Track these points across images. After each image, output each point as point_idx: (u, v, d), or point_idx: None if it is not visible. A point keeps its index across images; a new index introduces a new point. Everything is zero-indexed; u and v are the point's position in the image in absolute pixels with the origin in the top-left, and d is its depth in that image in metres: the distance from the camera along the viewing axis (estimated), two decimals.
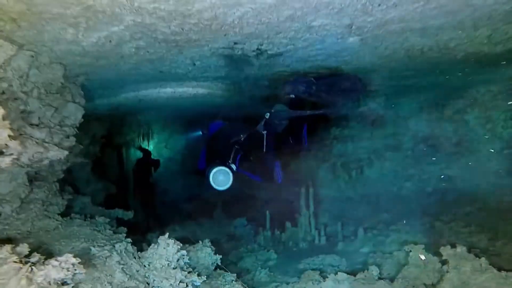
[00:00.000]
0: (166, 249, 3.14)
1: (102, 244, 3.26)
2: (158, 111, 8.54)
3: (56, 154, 2.76)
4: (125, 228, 4.51)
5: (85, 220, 3.98)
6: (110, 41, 2.94)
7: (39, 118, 3.11)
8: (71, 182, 7.54)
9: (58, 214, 3.79)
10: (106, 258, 2.97)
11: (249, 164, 4.37)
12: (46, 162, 2.93)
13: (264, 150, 4.20)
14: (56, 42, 2.78)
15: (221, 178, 4.19)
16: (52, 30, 2.54)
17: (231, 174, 4.19)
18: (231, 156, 4.35)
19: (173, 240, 3.16)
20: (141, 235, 7.88)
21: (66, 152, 2.84)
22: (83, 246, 3.19)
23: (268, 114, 4.24)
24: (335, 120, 7.56)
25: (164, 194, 11.65)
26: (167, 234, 3.20)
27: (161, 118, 10.09)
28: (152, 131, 11.21)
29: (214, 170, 4.18)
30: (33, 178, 3.75)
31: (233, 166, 4.32)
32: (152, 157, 12.06)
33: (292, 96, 4.22)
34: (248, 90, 6.04)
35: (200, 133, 5.11)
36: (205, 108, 8.26)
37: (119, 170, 11.48)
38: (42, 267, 1.92)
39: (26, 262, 2.01)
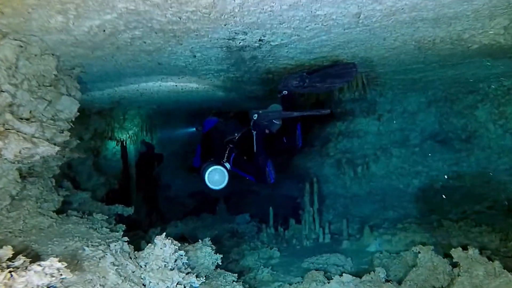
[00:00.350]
0: (163, 249, 2.99)
1: (96, 244, 3.12)
2: (160, 105, 8.39)
3: (47, 150, 2.62)
4: (124, 226, 4.38)
5: (81, 218, 3.85)
6: (104, 30, 2.78)
7: (30, 111, 2.97)
8: (73, 177, 7.45)
9: (53, 211, 3.66)
10: (99, 259, 2.83)
11: (242, 163, 4.22)
12: (37, 158, 2.79)
13: (255, 150, 4.06)
14: (46, 31, 2.62)
15: (216, 177, 4.09)
16: (39, 17, 2.38)
17: (226, 173, 4.10)
18: (225, 154, 4.25)
19: (170, 240, 3.01)
20: (143, 231, 7.80)
21: (58, 148, 2.69)
22: (76, 246, 3.05)
23: (256, 115, 4.10)
24: (340, 115, 7.38)
25: (167, 188, 11.54)
26: (163, 234, 3.05)
27: (164, 112, 9.92)
28: (155, 125, 11.05)
29: (210, 169, 4.08)
30: (26, 174, 3.62)
31: (227, 165, 4.22)
32: (155, 151, 11.94)
33: (285, 92, 4.11)
34: (251, 84, 5.88)
35: (194, 129, 4.96)
36: (208, 102, 8.12)
37: (121, 165, 11.38)
38: (24, 272, 1.78)
39: (8, 267, 1.87)
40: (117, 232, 3.72)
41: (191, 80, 5.21)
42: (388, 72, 5.19)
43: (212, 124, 4.71)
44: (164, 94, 6.47)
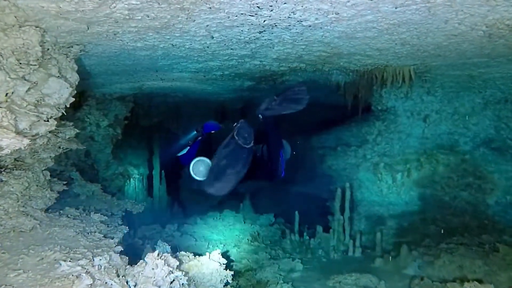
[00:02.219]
0: (154, 270, 2.44)
1: (79, 256, 2.62)
2: (186, 93, 7.89)
3: (12, 142, 2.11)
4: (126, 228, 3.89)
5: (74, 219, 3.38)
6: None
7: (6, 94, 2.47)
8: (90, 165, 7.11)
9: (41, 209, 3.20)
10: (76, 278, 2.31)
11: None
12: (7, 151, 2.29)
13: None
14: None
15: (201, 168, 4.10)
16: None
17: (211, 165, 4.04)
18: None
19: (163, 261, 2.46)
20: (160, 225, 7.39)
21: (27, 141, 2.18)
22: (54, 258, 2.56)
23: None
24: (380, 113, 6.61)
25: (191, 180, 11.10)
26: (156, 252, 2.50)
27: (191, 101, 9.43)
28: (181, 114, 10.60)
29: (196, 159, 4.16)
30: (13, 167, 3.17)
31: None
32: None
33: (260, 116, 4.28)
34: (281, 74, 5.25)
35: (195, 132, 5.01)
36: (236, 92, 7.56)
37: (147, 154, 11.06)
38: None
39: None
40: (112, 238, 3.21)
41: (212, 66, 4.63)
42: (442, 66, 4.42)
43: (211, 129, 4.76)
44: (187, 82, 5.96)
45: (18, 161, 3.20)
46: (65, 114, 3.16)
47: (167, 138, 10.62)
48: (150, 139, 11.03)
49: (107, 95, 7.14)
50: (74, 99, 3.14)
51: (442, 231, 5.23)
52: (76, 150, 4.80)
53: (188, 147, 4.62)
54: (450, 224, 5.63)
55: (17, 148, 2.16)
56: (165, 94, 8.20)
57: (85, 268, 2.43)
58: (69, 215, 3.45)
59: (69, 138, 3.50)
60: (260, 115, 4.23)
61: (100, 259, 2.57)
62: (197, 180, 4.16)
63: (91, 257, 2.62)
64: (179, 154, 4.67)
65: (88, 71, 4.53)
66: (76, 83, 3.19)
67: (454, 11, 2.58)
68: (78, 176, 5.11)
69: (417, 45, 3.50)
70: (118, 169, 7.61)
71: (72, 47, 3.21)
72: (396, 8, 2.57)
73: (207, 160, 4.08)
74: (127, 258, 2.89)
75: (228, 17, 2.76)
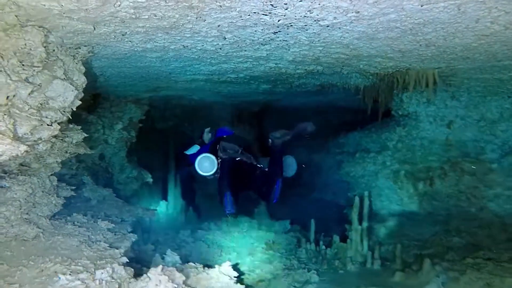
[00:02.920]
0: (158, 287, 2.28)
1: (80, 268, 2.48)
2: (202, 96, 7.78)
3: (8, 149, 1.99)
4: (135, 236, 3.76)
5: (79, 226, 3.25)
6: None
7: (7, 97, 2.36)
8: (105, 168, 7.04)
9: (46, 216, 3.09)
10: None
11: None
12: (4, 157, 2.17)
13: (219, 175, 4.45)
14: None
15: (206, 164, 4.30)
16: None
17: (216, 162, 4.32)
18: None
19: (167, 277, 2.30)
20: (174, 231, 7.26)
21: (24, 147, 2.05)
22: (54, 270, 2.43)
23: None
24: (401, 118, 6.34)
25: (206, 185, 10.96)
26: (159, 267, 2.34)
27: (207, 104, 9.32)
28: (197, 117, 10.50)
29: (201, 155, 4.34)
30: (18, 172, 3.07)
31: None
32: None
33: (270, 140, 4.53)
34: (298, 77, 5.07)
35: (210, 135, 5.19)
36: (251, 95, 7.42)
37: (162, 157, 10.99)
38: None
39: None
40: (118, 248, 3.07)
41: (226, 68, 4.49)
42: (469, 69, 4.16)
43: (224, 134, 4.85)
44: (201, 84, 5.83)
45: (23, 166, 3.09)
46: (79, 116, 3.06)
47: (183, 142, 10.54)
48: (165, 142, 10.97)
49: (122, 98, 7.08)
50: (80, 102, 3.02)
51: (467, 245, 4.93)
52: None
53: (199, 147, 4.78)
54: (476, 237, 5.32)
55: (13, 154, 2.03)
56: (180, 97, 8.11)
57: (85, 283, 2.29)
58: (75, 222, 3.33)
59: (76, 142, 3.37)
60: (270, 140, 4.49)
61: (102, 273, 2.43)
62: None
63: (93, 270, 2.48)
64: (189, 152, 4.76)
65: (99, 73, 4.44)
66: (84, 85, 3.07)
67: (486, 8, 2.36)
68: (89, 180, 5.03)
69: (443, 47, 3.27)
70: (132, 172, 7.51)
71: (79, 48, 3.10)
72: (422, 6, 2.36)
73: (212, 157, 4.32)
74: (132, 270, 2.74)
75: (240, 16, 2.60)
